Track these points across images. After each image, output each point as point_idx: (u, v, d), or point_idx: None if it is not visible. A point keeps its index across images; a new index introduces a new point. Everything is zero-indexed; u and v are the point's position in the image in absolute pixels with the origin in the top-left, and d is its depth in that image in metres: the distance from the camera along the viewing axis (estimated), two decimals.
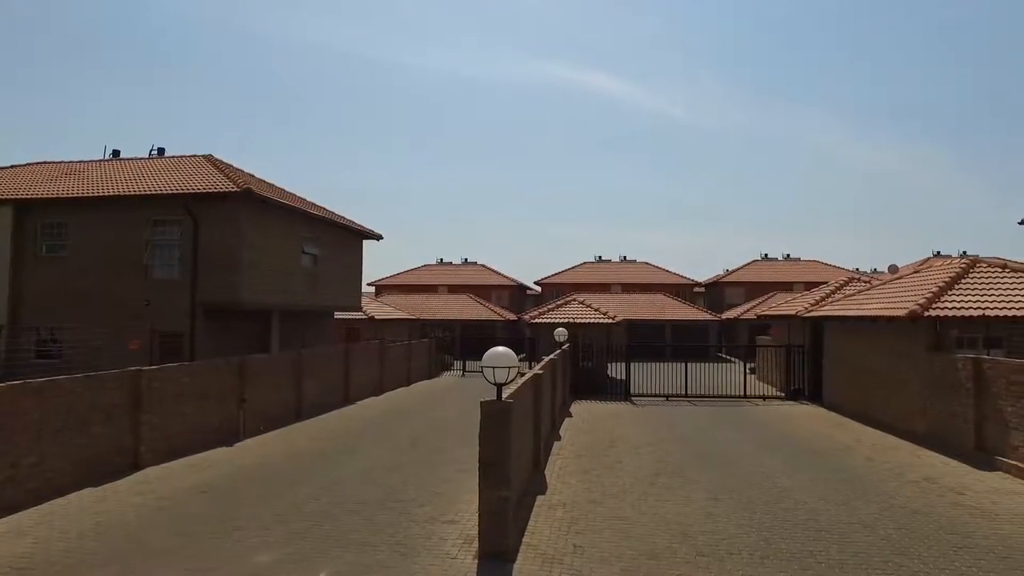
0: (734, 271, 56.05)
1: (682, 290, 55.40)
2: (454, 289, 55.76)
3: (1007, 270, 15.91)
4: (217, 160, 21.41)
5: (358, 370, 23.17)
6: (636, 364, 25.97)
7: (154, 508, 9.51)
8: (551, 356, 15.99)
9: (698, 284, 58.25)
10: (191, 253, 17.98)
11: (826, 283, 27.63)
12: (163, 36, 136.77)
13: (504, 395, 7.71)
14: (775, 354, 24.75)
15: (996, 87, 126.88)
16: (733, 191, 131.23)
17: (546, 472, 11.52)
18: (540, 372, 11.65)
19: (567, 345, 22.18)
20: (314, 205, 23.95)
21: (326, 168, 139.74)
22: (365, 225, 26.84)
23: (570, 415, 18.34)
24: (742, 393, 22.09)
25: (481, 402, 7.60)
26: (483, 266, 62.83)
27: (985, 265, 16.45)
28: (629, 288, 53.80)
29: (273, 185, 23.46)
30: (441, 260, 65.38)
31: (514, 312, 50.79)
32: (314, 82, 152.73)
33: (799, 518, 8.95)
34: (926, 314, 13.92)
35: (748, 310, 42.00)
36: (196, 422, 13.73)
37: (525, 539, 8.09)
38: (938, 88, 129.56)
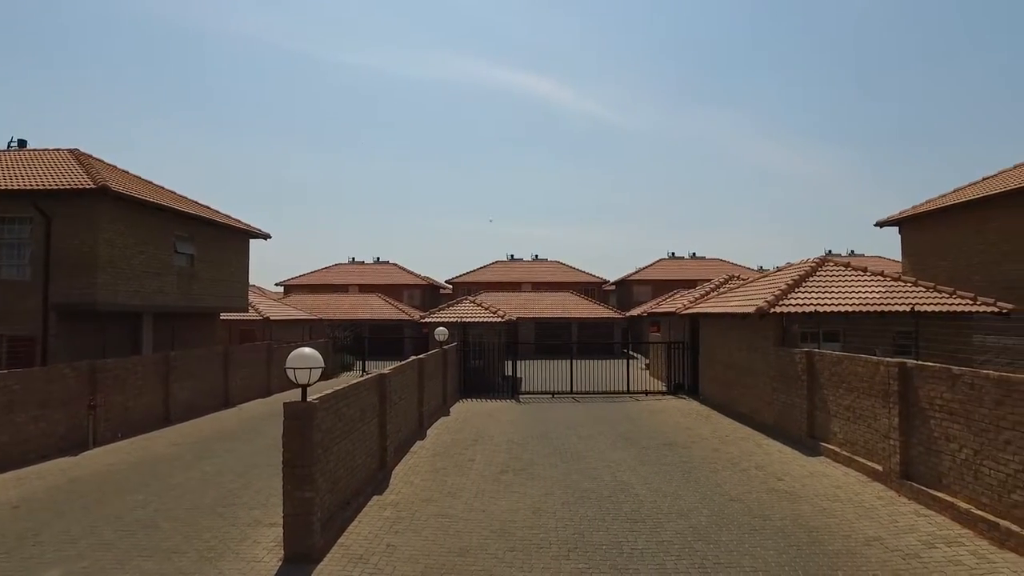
0: (642, 269, 57.62)
1: (592, 288, 56.53)
2: (365, 289, 55.01)
3: (849, 268, 17.04)
4: (82, 154, 20.24)
5: (241, 372, 22.47)
6: (535, 361, 26.41)
7: None
8: (420, 356, 15.93)
9: (607, 283, 59.58)
10: (43, 252, 16.90)
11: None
12: (84, 27, 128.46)
13: (316, 395, 7.65)
14: (661, 350, 25.59)
15: (895, 92, 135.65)
16: (650, 191, 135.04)
17: (394, 471, 11.49)
18: (387, 373, 11.57)
19: (454, 344, 22.24)
20: (191, 203, 23.01)
21: (249, 166, 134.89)
22: (252, 224, 26.03)
23: (447, 414, 18.36)
24: (626, 389, 22.72)
25: (284, 403, 7.50)
26: (395, 265, 62.21)
27: (832, 264, 17.56)
28: (539, 287, 54.47)
29: (150, 182, 22.41)
30: (353, 259, 64.33)
31: (426, 312, 50.49)
32: (233, 75, 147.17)
33: (623, 510, 9.26)
34: (772, 310, 14.72)
35: (652, 308, 43.24)
36: (32, 432, 12.94)
37: (341, 540, 8.04)
38: (841, 93, 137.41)
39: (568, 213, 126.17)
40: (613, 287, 60.31)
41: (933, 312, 14.66)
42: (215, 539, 8.18)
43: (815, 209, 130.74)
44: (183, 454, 13.66)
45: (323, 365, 7.48)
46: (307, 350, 7.52)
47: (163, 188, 22.74)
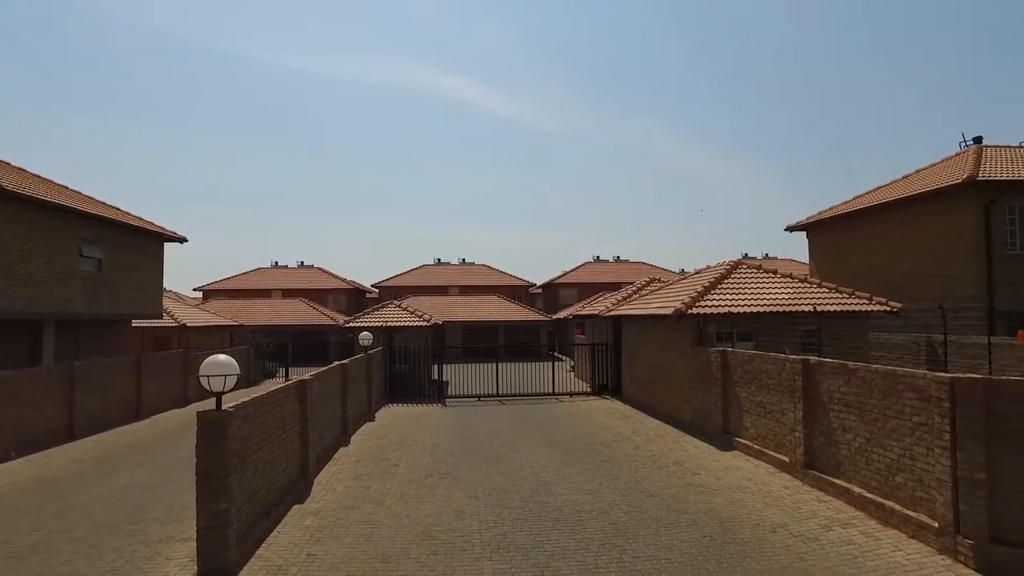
0: (568, 272, 58.53)
1: (519, 292, 57.00)
2: (288, 293, 53.56)
3: (761, 271, 17.95)
4: None
5: (155, 382, 21.46)
6: (462, 365, 26.43)
7: None
8: (344, 361, 15.67)
9: (534, 286, 60.21)
10: None
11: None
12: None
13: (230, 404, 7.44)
14: (586, 352, 26.10)
15: (809, 101, 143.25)
16: (577, 195, 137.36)
17: (316, 479, 11.28)
18: (309, 378, 11.35)
19: (379, 349, 21.97)
20: (99, 204, 21.80)
21: (167, 167, 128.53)
22: (167, 227, 24.89)
23: (372, 419, 18.13)
24: (551, 391, 23.05)
25: (197, 412, 7.26)
26: (320, 269, 60.86)
27: (745, 267, 18.43)
28: (467, 290, 54.48)
29: (52, 182, 21.05)
30: (276, 263, 62.50)
31: (351, 316, 49.60)
32: (149, 72, 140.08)
33: (546, 510, 9.42)
34: (690, 312, 15.31)
35: (577, 310, 44.02)
36: None
37: (259, 551, 7.83)
38: (759, 103, 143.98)
39: (496, 217, 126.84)
40: (540, 290, 61.00)
41: (834, 312, 15.63)
42: (121, 559, 7.80)
43: (734, 213, 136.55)
44: (87, 471, 12.91)
45: (239, 372, 7.28)
46: (222, 357, 7.31)
47: (67, 188, 21.42)
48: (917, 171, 25.67)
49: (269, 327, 41.77)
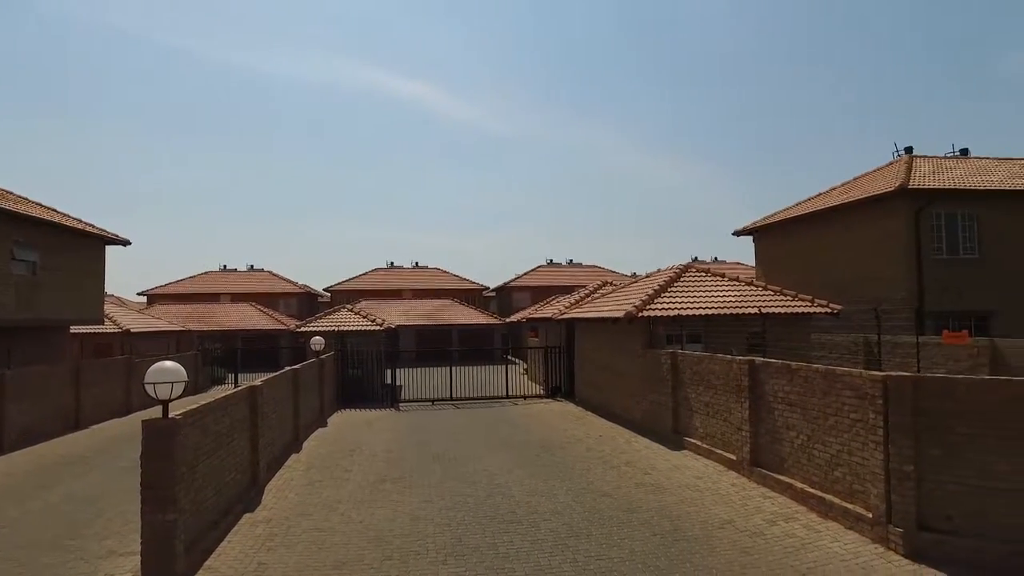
0: (521, 276, 58.80)
1: (473, 295, 56.98)
2: (238, 298, 52.26)
3: (709, 274, 18.45)
4: None
5: (95, 390, 20.67)
6: (415, 369, 26.30)
7: None
8: (295, 366, 15.44)
9: (488, 289, 60.29)
10: None
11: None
12: None
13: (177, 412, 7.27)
14: (539, 355, 26.30)
15: (760, 107, 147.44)
16: (530, 198, 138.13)
17: (267, 487, 11.08)
18: (259, 384, 11.15)
19: (331, 354, 21.69)
20: (33, 205, 20.90)
21: (111, 169, 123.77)
22: (108, 230, 24.01)
23: (324, 425, 17.89)
24: (505, 394, 23.14)
25: (143, 421, 7.07)
26: (270, 273, 59.57)
27: (694, 270, 18.91)
28: (420, 294, 54.20)
29: None
30: (225, 267, 60.91)
31: (303, 321, 48.73)
32: (101, 68, 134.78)
33: (500, 512, 9.47)
34: (640, 315, 15.61)
35: (530, 313, 44.27)
36: None
37: (208, 563, 7.66)
38: (710, 109, 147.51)
39: (450, 220, 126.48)
40: (493, 293, 61.10)
41: (778, 313, 16.18)
42: None
43: (685, 218, 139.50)
44: (19, 485, 12.31)
45: (186, 379, 7.13)
46: (168, 363, 7.14)
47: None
48: (855, 178, 26.79)
49: (218, 332, 40.70)
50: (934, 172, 23.37)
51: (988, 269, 21.22)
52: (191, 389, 28.08)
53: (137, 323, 32.85)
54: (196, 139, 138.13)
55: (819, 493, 8.79)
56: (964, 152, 27.05)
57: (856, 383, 8.14)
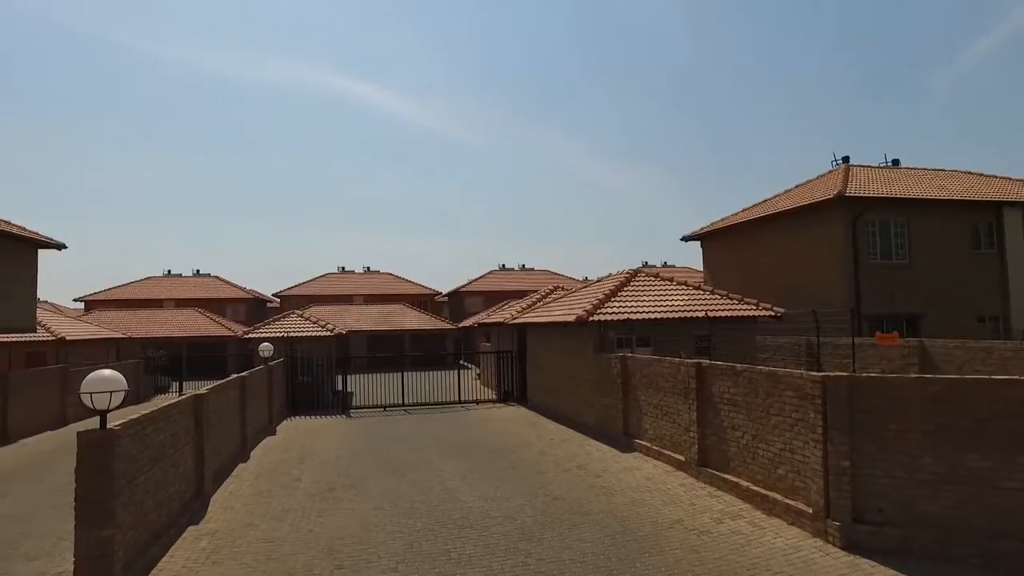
0: (474, 281, 58.73)
1: (425, 300, 56.64)
2: (183, 303, 50.68)
3: (658, 279, 18.81)
4: None
5: (24, 402, 19.71)
6: (367, 375, 25.92)
7: None
8: (242, 373, 15.06)
9: (440, 294, 60.02)
10: None
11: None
12: None
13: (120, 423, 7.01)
14: (491, 359, 26.32)
15: (712, 117, 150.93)
16: (483, 203, 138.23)
17: (213, 498, 10.77)
18: (204, 393, 10.84)
19: (280, 360, 21.25)
20: None
21: (45, 171, 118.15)
22: (41, 233, 22.93)
23: (273, 433, 17.49)
24: (458, 399, 23.07)
25: (78, 432, 6.80)
26: (217, 278, 57.96)
27: (644, 275, 19.25)
28: (372, 299, 53.56)
29: None
30: (169, 272, 59.02)
31: (252, 327, 47.56)
32: (33, 63, 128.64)
33: (453, 518, 9.44)
34: (591, 319, 15.81)
35: (482, 318, 44.27)
36: None
37: None
38: (661, 116, 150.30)
39: (401, 225, 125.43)
40: (446, 298, 60.84)
41: (724, 317, 16.62)
42: None
43: (636, 223, 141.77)
44: None
45: (126, 388, 6.88)
46: (107, 372, 6.88)
47: None
48: (797, 186, 27.76)
49: (162, 339, 39.32)
50: (869, 181, 24.44)
51: (917, 273, 22.33)
52: (133, 398, 27.14)
53: (73, 330, 31.45)
54: (139, 141, 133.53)
55: (763, 491, 9.07)
56: (895, 162, 28.38)
57: (797, 384, 8.44)
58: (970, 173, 27.63)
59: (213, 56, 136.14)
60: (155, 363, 31.88)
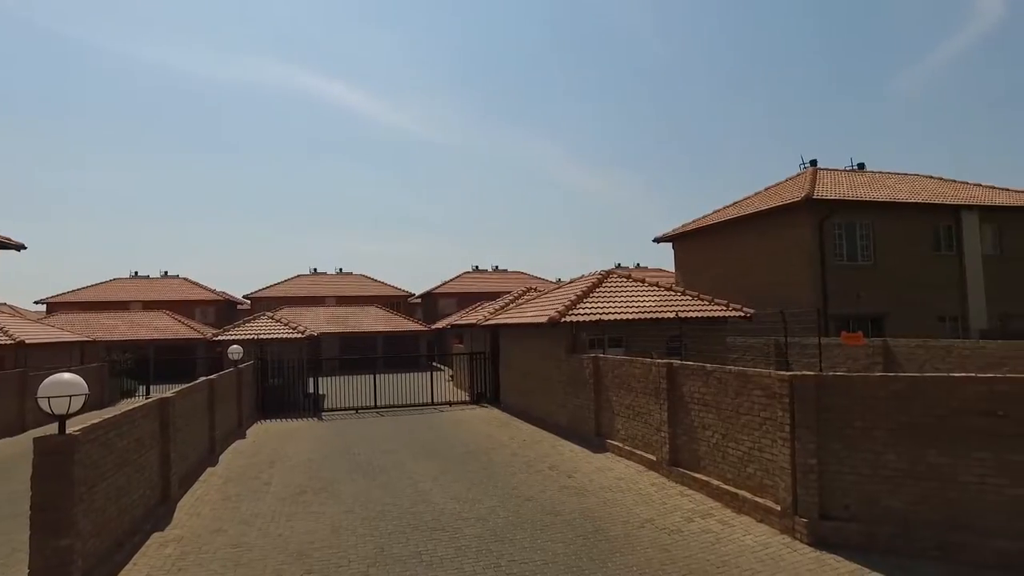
0: (447, 282, 58.58)
1: (398, 302, 56.33)
2: (150, 305, 49.73)
3: (630, 280, 18.95)
4: None
5: None
6: (339, 377, 25.70)
7: None
8: (211, 376, 14.80)
9: (413, 296, 59.74)
10: None
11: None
12: None
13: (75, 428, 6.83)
14: (464, 361, 26.27)
15: (685, 119, 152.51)
16: (457, 205, 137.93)
17: (180, 503, 10.56)
18: (171, 396, 10.63)
19: (250, 363, 20.94)
20: None
21: (12, 166, 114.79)
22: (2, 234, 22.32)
23: (243, 437, 17.22)
24: (430, 401, 22.97)
25: (34, 439, 6.61)
26: (186, 280, 57.00)
27: (616, 276, 19.39)
28: (344, 301, 53.09)
29: None
30: (136, 273, 57.86)
31: (221, 329, 46.82)
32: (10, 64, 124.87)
33: (424, 520, 9.38)
34: (563, 320, 15.86)
35: (455, 320, 44.16)
36: None
37: None
38: (634, 119, 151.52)
39: (375, 226, 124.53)
40: (419, 300, 60.58)
41: (695, 317, 16.80)
42: None
43: (610, 225, 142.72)
44: None
45: (86, 392, 6.70)
46: (66, 375, 6.70)
47: None
48: (767, 188, 28.22)
49: (128, 342, 38.44)
50: (835, 184, 24.95)
51: (881, 274, 22.87)
52: (96, 403, 26.50)
53: (33, 333, 30.59)
54: (104, 140, 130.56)
55: (733, 489, 9.18)
56: (861, 166, 29.02)
57: (766, 383, 8.56)
58: (931, 177, 28.43)
59: (183, 55, 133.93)
60: (121, 366, 31.14)
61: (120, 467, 8.23)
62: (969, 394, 7.09)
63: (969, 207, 24.09)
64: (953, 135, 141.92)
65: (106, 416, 7.97)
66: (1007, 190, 26.68)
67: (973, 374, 7.32)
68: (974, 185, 27.31)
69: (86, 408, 7.03)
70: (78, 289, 53.45)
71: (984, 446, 6.97)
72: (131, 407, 9.09)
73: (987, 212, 24.30)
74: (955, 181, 27.79)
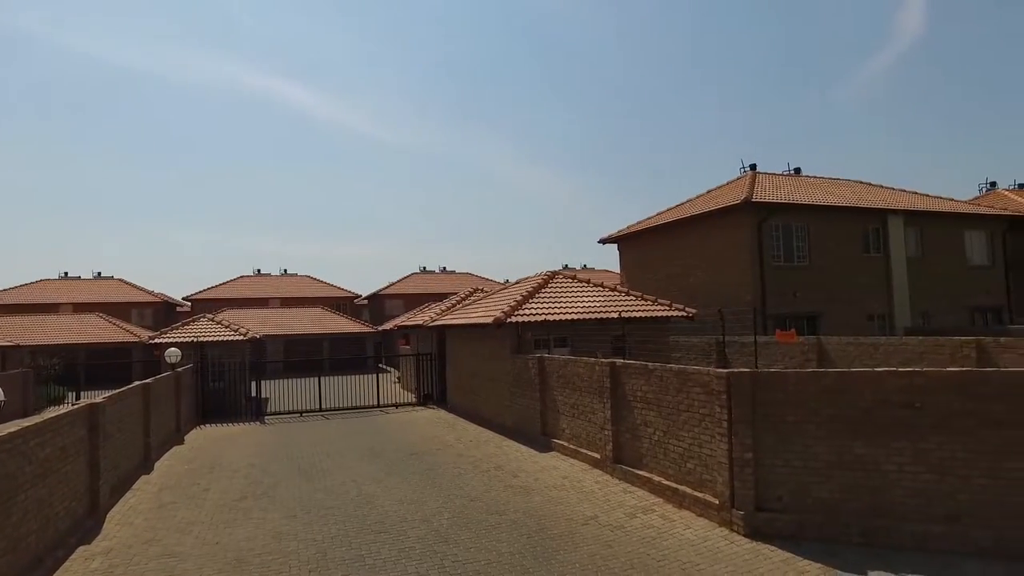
0: (394, 284, 58.04)
1: (345, 303, 55.50)
2: (81, 308, 47.56)
3: (576, 280, 19.16)
4: None
5: None
6: (284, 380, 25.16)
7: None
8: (146, 381, 14.26)
9: (360, 297, 58.95)
10: None
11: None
12: None
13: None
14: (411, 362, 26.06)
15: (632, 123, 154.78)
16: (404, 206, 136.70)
17: (109, 514, 10.13)
18: (101, 402, 10.19)
19: (189, 366, 20.28)
20: None
21: None
22: None
23: (181, 442, 16.66)
24: (377, 403, 22.71)
25: None
26: (121, 281, 54.79)
27: (561, 276, 19.56)
28: (289, 302, 52.03)
29: None
30: (66, 274, 55.24)
31: (158, 332, 45.14)
32: None
33: (368, 523, 9.28)
34: (509, 320, 15.91)
35: (402, 321, 43.76)
36: None
37: None
38: (582, 121, 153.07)
39: (321, 227, 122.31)
40: (366, 301, 59.80)
41: (638, 317, 17.10)
42: None
43: (557, 225, 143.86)
44: None
45: (2, 399, 6.37)
46: None
47: None
48: (709, 191, 28.95)
49: (56, 346, 36.65)
50: (774, 188, 25.83)
51: (815, 275, 23.81)
52: (19, 411, 25.16)
53: None
54: (39, 136, 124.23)
55: (674, 485, 9.39)
56: (798, 171, 30.11)
57: (704, 380, 8.79)
58: (861, 182, 29.76)
59: (122, 48, 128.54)
60: (47, 372, 29.66)
61: (42, 478, 7.85)
62: (891, 388, 7.45)
63: (895, 211, 25.33)
64: (884, 142, 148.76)
65: (25, 425, 7.60)
66: (928, 196, 28.21)
67: (895, 369, 7.69)
68: (900, 191, 28.75)
69: (6, 416, 6.70)
70: (0, 291, 50.69)
71: (903, 436, 7.36)
72: (55, 414, 8.69)
73: (911, 216, 25.63)
74: (883, 187, 29.16)
